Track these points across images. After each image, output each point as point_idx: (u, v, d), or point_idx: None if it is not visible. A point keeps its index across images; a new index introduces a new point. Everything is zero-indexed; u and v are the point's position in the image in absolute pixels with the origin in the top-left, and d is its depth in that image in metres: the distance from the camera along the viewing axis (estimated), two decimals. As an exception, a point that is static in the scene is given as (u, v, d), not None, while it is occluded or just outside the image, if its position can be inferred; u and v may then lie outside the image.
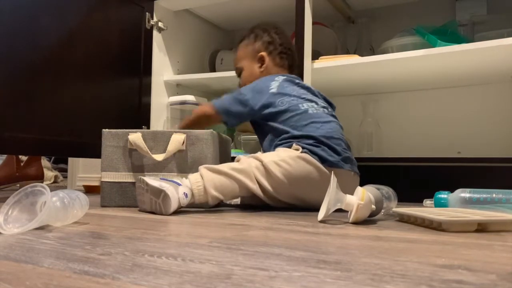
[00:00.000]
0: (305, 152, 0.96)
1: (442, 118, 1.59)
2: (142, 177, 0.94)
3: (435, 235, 0.64)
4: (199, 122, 1.13)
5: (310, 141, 0.98)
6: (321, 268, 0.42)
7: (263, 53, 1.18)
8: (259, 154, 0.98)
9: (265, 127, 1.08)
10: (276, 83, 1.09)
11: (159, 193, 0.86)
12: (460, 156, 1.50)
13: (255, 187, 0.94)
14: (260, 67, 1.18)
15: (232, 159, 1.04)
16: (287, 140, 1.01)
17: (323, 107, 1.08)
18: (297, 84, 1.11)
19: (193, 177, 0.93)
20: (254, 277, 0.38)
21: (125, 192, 1.05)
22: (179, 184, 0.90)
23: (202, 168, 0.94)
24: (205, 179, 0.91)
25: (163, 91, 1.65)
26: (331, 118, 1.06)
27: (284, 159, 0.95)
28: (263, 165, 0.94)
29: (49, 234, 0.62)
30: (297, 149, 0.97)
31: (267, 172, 0.94)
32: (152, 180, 0.90)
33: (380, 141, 1.61)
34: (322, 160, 0.96)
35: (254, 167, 0.94)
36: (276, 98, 1.06)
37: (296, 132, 1.01)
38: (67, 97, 1.29)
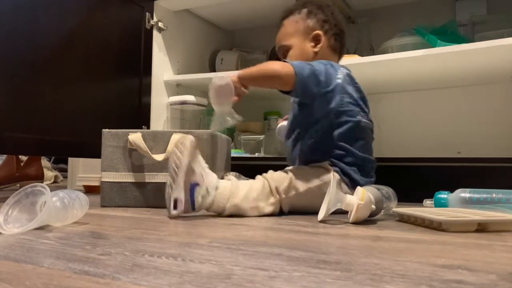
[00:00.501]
0: (336, 171, 0.93)
1: (442, 118, 1.58)
2: (175, 159, 0.84)
3: (435, 235, 0.64)
4: (269, 78, 0.95)
5: (348, 159, 0.94)
6: (321, 268, 0.42)
7: (319, 32, 1.04)
8: (295, 180, 0.91)
9: (315, 120, 0.98)
10: (341, 73, 0.98)
11: (169, 201, 0.82)
12: (460, 156, 1.49)
13: (267, 213, 0.89)
14: (314, 46, 1.05)
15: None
16: (327, 151, 0.96)
17: (369, 120, 1.00)
18: (355, 85, 1.00)
19: (219, 198, 0.84)
20: (254, 277, 0.38)
21: (125, 192, 1.05)
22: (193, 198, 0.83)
23: (232, 206, 0.85)
24: (228, 208, 0.85)
25: (163, 91, 1.65)
26: (373, 135, 1.02)
27: (319, 186, 0.91)
28: (298, 193, 0.90)
29: (49, 234, 0.62)
30: (328, 170, 0.93)
31: (298, 197, 0.90)
32: (175, 189, 0.82)
33: (380, 141, 1.59)
34: (352, 182, 0.93)
35: (288, 197, 0.89)
36: (339, 92, 0.96)
37: (341, 143, 0.95)
38: (67, 97, 1.29)
